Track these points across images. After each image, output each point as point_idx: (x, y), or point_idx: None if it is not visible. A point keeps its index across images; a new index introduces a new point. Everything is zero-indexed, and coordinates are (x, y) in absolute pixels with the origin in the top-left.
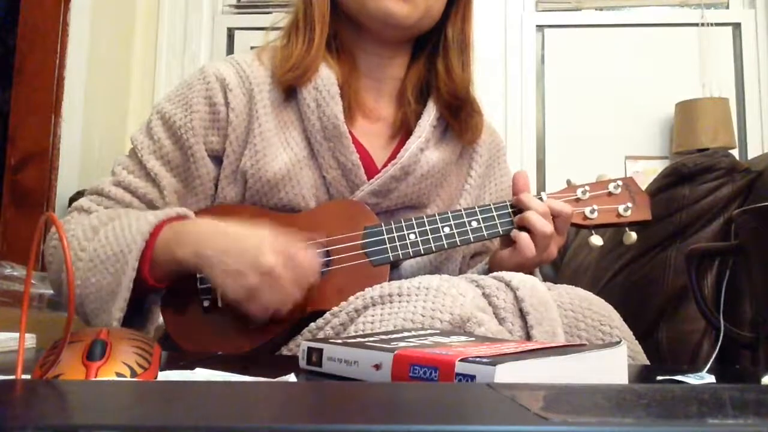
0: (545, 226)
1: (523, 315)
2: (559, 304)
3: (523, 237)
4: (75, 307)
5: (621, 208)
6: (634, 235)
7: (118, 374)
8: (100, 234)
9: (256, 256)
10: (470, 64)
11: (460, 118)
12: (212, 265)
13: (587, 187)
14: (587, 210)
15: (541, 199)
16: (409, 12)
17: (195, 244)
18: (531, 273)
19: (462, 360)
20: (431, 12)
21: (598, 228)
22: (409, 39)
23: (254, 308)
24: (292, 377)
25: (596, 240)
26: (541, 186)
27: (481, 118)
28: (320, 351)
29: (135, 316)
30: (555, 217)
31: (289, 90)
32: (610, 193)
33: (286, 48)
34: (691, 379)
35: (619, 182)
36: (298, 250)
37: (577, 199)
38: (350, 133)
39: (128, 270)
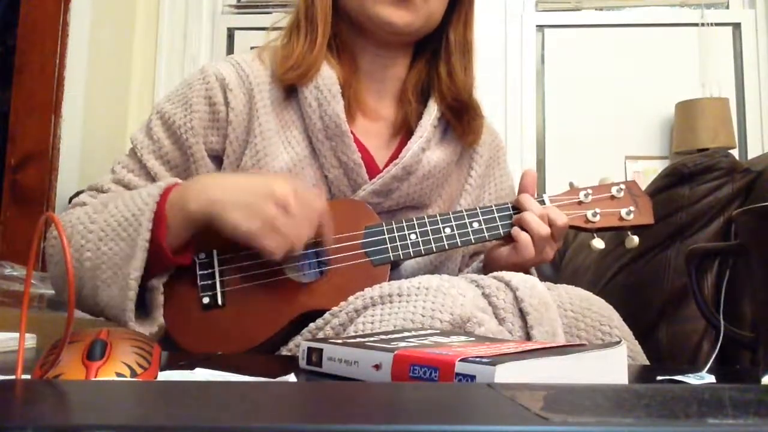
0: (541, 227)
1: (523, 315)
2: (559, 304)
3: (524, 237)
4: (84, 290)
5: (623, 212)
6: (636, 239)
7: (118, 374)
8: (109, 206)
9: (268, 188)
10: (472, 68)
11: (462, 121)
12: (225, 205)
13: (590, 191)
14: (589, 213)
15: (543, 201)
16: (410, 20)
17: (206, 193)
18: (527, 272)
19: (462, 360)
20: (432, 18)
21: (600, 231)
22: (410, 42)
23: (272, 241)
24: (292, 377)
25: (598, 243)
26: (541, 186)
27: (482, 121)
28: (320, 351)
29: (138, 313)
30: (550, 225)
31: (289, 89)
32: (612, 197)
33: (287, 47)
34: (691, 379)
35: (622, 186)
36: (303, 185)
37: (580, 202)
38: (351, 132)
39: (143, 231)
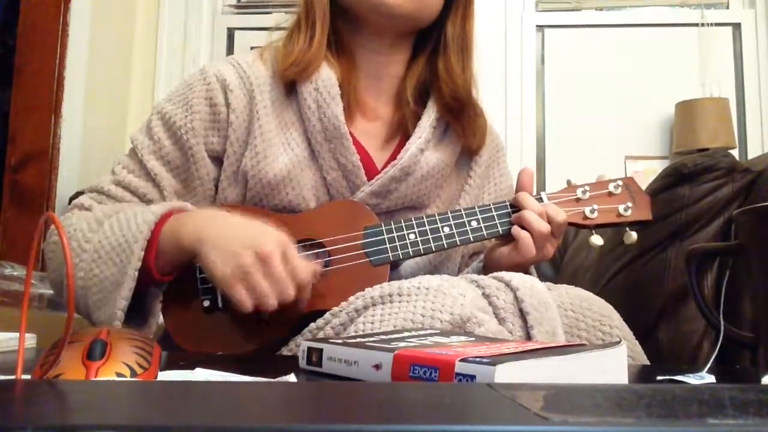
0: (541, 224)
1: (523, 315)
2: (559, 304)
3: (524, 235)
4: (76, 301)
5: (621, 208)
6: (634, 235)
7: (118, 374)
8: (104, 226)
9: (256, 240)
10: (471, 65)
11: (462, 121)
12: (208, 245)
13: (587, 187)
14: (587, 210)
15: (540, 199)
16: (401, 1)
17: (198, 227)
18: (527, 271)
19: (462, 360)
20: (427, 4)
21: (599, 228)
22: (407, 34)
23: (239, 293)
24: (292, 377)
25: (596, 240)
26: (541, 186)
27: (484, 122)
28: (320, 351)
29: (135, 315)
30: (549, 221)
31: (289, 87)
32: (610, 193)
33: (288, 45)
34: (691, 379)
35: (619, 182)
36: (297, 251)
37: (578, 199)
38: (350, 133)
39: (133, 260)
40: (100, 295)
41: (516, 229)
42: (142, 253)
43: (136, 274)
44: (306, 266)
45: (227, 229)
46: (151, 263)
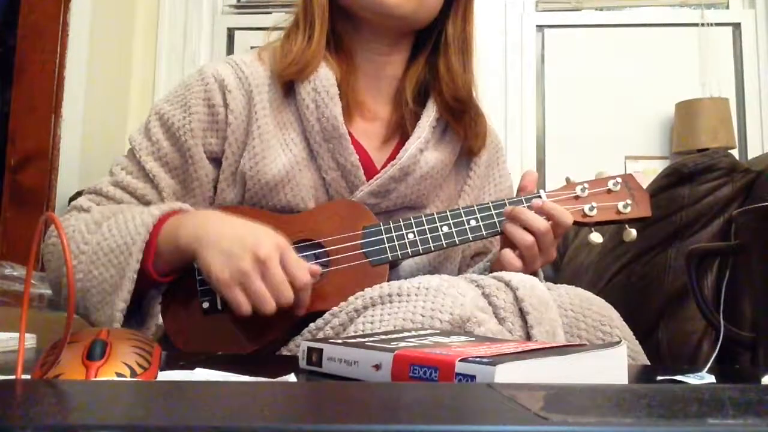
0: (540, 222)
1: (523, 315)
2: (559, 304)
3: (528, 238)
4: (75, 303)
5: (620, 205)
6: (633, 232)
7: (118, 374)
8: (103, 227)
9: (254, 243)
10: (471, 66)
11: (463, 122)
12: (206, 247)
13: (586, 185)
14: (586, 207)
15: (539, 197)
16: (400, 1)
17: (196, 229)
18: (534, 274)
19: (462, 360)
20: (426, 4)
21: (598, 225)
22: (406, 34)
23: (238, 297)
24: (292, 377)
25: (596, 237)
26: (540, 186)
27: (485, 123)
28: (320, 351)
29: (134, 316)
30: (556, 224)
31: (288, 88)
32: (609, 191)
33: (286, 45)
34: (691, 379)
35: (618, 179)
36: (296, 253)
37: (576, 197)
38: (349, 133)
39: (132, 261)
40: (99, 297)
41: (519, 234)
42: (141, 255)
43: (135, 276)
44: (305, 268)
45: (225, 230)
46: (150, 265)
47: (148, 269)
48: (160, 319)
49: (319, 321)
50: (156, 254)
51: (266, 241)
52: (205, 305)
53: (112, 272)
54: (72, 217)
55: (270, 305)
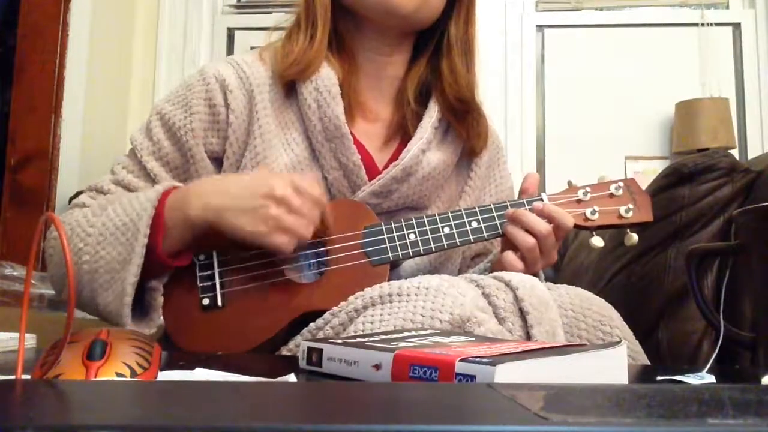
0: (543, 226)
1: (523, 315)
2: (559, 304)
3: (530, 240)
4: (82, 287)
5: (622, 210)
6: (635, 237)
7: (118, 374)
8: (108, 210)
9: (267, 187)
10: (474, 67)
11: (466, 123)
12: (225, 212)
13: (588, 189)
14: (588, 211)
15: (541, 200)
16: (404, 0)
17: (205, 198)
18: (536, 275)
19: (462, 360)
20: (430, 4)
21: (599, 229)
22: (408, 34)
23: (279, 238)
24: (292, 377)
25: (597, 241)
26: (541, 186)
27: (487, 123)
28: (320, 351)
29: (135, 312)
30: (556, 226)
31: (289, 87)
32: (611, 195)
33: (287, 45)
34: (691, 379)
35: (621, 183)
36: (301, 179)
37: (579, 201)
38: (351, 133)
39: (140, 236)
40: (108, 276)
41: (521, 236)
42: (148, 228)
43: (144, 250)
44: (317, 188)
45: (232, 190)
46: (159, 241)
47: (156, 248)
48: (161, 319)
49: (319, 321)
50: (165, 229)
51: (274, 181)
52: (206, 302)
53: (120, 249)
54: (73, 213)
55: (308, 230)
